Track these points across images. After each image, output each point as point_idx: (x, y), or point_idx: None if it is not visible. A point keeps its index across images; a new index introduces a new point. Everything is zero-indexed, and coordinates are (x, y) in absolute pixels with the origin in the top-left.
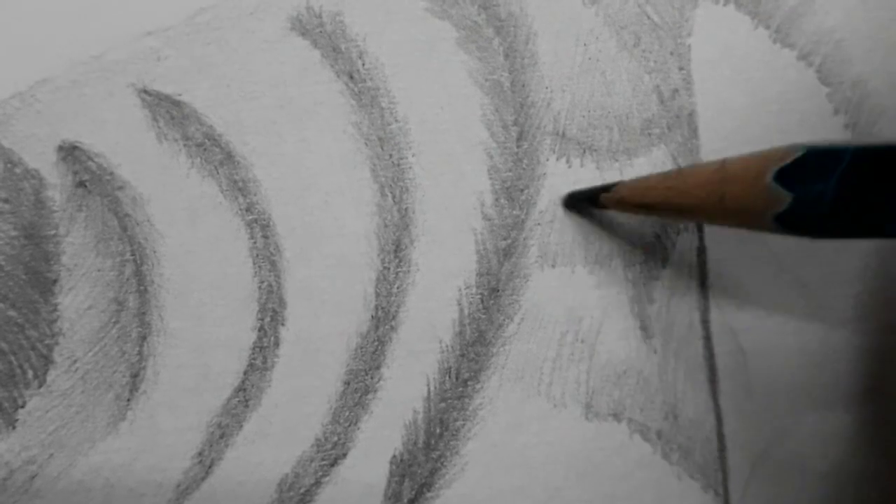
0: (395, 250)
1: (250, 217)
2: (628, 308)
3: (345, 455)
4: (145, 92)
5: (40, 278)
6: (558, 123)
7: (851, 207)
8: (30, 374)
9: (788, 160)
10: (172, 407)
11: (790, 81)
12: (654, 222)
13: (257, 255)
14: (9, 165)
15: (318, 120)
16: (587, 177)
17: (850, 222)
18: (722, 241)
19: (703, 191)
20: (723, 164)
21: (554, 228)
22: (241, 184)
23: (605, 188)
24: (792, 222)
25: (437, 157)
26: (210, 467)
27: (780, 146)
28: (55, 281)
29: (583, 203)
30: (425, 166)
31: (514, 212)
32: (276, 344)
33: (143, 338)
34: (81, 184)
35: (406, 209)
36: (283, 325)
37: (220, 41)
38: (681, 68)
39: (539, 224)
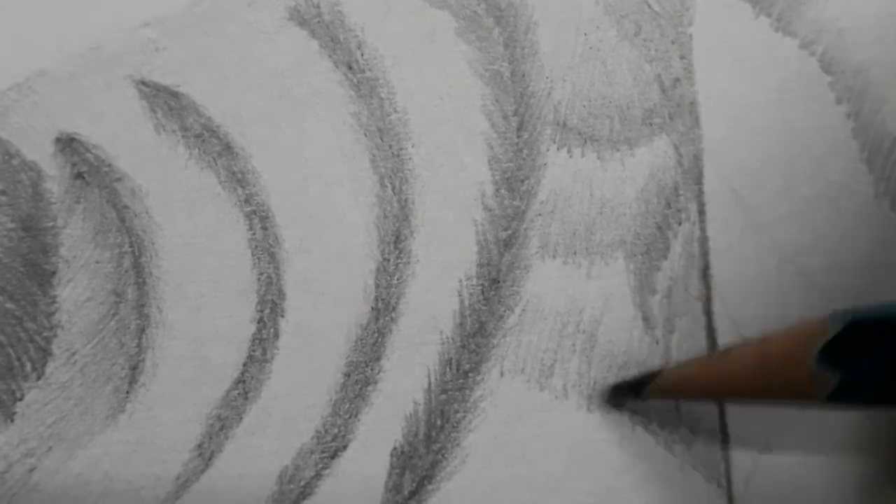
0: (395, 241)
1: (249, 208)
2: (630, 298)
3: (345, 447)
4: (143, 83)
5: (38, 270)
6: (559, 113)
7: None
8: (28, 366)
9: (829, 335)
10: (171, 399)
11: (792, 70)
12: (656, 212)
13: (256, 247)
14: (6, 157)
15: (316, 111)
16: (588, 167)
17: None
18: (724, 231)
19: (747, 378)
20: (762, 350)
21: (555, 219)
22: (239, 175)
23: (645, 379)
24: (844, 401)
25: (436, 148)
26: (210, 460)
27: (816, 319)
28: (53, 273)
29: (624, 395)
30: (425, 157)
31: (515, 202)
32: (276, 335)
33: (142, 330)
34: (79, 175)
35: (406, 200)
36: (282, 316)
37: (219, 32)
38: (682, 57)
39: (540, 214)
